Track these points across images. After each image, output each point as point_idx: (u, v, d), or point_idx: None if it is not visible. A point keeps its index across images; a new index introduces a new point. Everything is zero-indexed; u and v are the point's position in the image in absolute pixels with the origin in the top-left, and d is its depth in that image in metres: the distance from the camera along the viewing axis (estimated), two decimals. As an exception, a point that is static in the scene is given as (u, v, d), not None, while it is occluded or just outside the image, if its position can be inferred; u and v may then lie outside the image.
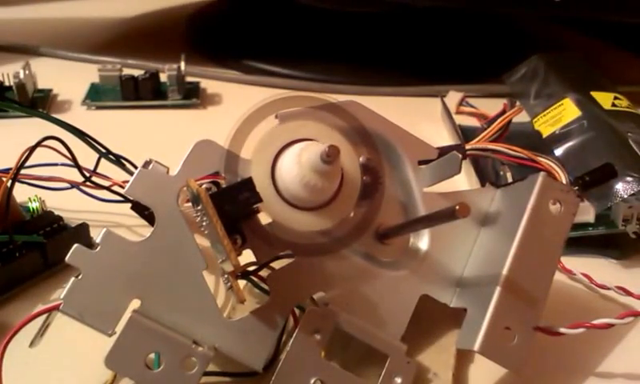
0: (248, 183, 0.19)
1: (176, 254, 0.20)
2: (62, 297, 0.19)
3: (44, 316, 0.21)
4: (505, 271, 0.22)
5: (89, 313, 0.19)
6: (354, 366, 0.22)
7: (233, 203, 0.19)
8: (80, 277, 0.20)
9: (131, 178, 0.21)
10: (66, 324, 0.20)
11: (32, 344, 0.21)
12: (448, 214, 0.19)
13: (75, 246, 0.20)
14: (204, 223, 0.20)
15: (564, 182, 0.29)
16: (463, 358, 0.23)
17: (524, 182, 0.24)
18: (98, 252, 0.20)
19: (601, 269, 0.31)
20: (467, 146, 0.34)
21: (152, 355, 0.20)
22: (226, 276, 0.20)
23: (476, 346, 0.21)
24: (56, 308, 0.20)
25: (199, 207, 0.19)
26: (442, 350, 0.23)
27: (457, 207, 0.18)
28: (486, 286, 0.22)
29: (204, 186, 0.20)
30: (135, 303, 0.20)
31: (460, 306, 0.23)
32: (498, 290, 0.21)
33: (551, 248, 0.22)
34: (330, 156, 0.19)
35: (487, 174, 0.36)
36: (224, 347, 0.20)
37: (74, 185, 0.31)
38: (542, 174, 0.23)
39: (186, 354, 0.20)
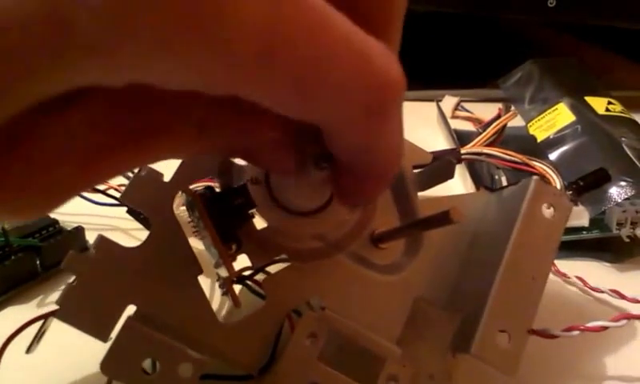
0: (242, 189, 0.19)
1: (171, 259, 0.20)
2: (57, 303, 0.19)
3: (40, 322, 0.21)
4: (498, 275, 0.22)
5: (84, 319, 0.19)
6: (349, 369, 0.22)
7: (227, 209, 0.19)
8: (75, 283, 0.20)
9: (126, 185, 0.21)
10: (62, 330, 0.19)
11: (29, 350, 0.21)
12: (442, 218, 0.19)
13: (70, 252, 0.20)
14: (199, 229, 0.20)
15: (558, 186, 0.29)
16: (459, 360, 0.23)
17: (517, 187, 0.24)
18: (93, 258, 0.20)
19: (595, 272, 0.31)
20: (462, 151, 0.34)
21: (147, 361, 0.20)
22: (221, 281, 0.20)
23: (471, 350, 0.21)
24: (51, 314, 0.20)
25: (195, 213, 0.19)
26: (437, 353, 0.23)
27: (450, 212, 0.18)
28: (480, 289, 0.22)
29: (198, 191, 0.20)
30: (131, 309, 0.20)
31: (455, 309, 0.23)
32: (492, 293, 0.22)
33: (544, 251, 0.23)
34: (323, 162, 0.19)
35: (482, 178, 0.36)
36: (219, 351, 0.20)
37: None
38: (534, 178, 0.23)
39: (182, 359, 0.20)
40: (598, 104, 0.41)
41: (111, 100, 0.14)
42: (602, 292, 0.28)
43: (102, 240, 0.20)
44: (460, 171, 0.38)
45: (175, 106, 0.15)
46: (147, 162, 0.16)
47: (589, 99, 0.42)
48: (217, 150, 0.17)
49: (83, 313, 0.19)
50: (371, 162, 0.16)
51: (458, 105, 0.47)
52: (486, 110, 0.43)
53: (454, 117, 0.46)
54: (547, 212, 0.23)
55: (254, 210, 0.20)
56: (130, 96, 0.15)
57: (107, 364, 0.19)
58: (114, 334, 0.20)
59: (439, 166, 0.24)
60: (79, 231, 0.30)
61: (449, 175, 0.24)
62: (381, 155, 0.16)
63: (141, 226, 0.29)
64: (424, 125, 0.45)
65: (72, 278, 0.20)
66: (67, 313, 0.19)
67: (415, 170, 0.24)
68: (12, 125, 0.12)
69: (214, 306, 0.27)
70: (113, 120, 0.14)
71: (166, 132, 0.15)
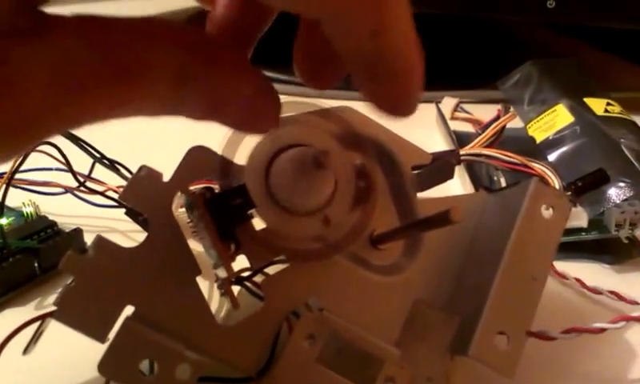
0: (242, 189, 0.19)
1: (170, 260, 0.20)
2: (54, 304, 0.19)
3: (37, 323, 0.21)
4: (497, 276, 0.22)
5: (82, 320, 0.19)
6: (347, 371, 0.22)
7: (226, 209, 0.19)
8: (73, 283, 0.19)
9: (125, 185, 0.21)
10: (59, 331, 0.19)
11: (26, 351, 0.21)
12: (441, 218, 0.19)
13: (68, 252, 0.20)
14: (198, 229, 0.20)
15: (557, 187, 0.29)
16: (457, 363, 0.23)
17: (517, 187, 0.24)
18: (91, 258, 0.20)
19: (593, 273, 0.31)
20: (462, 152, 0.34)
21: (145, 362, 0.20)
22: (220, 282, 0.20)
23: (469, 352, 0.21)
24: (49, 315, 0.20)
25: (194, 213, 0.19)
26: (435, 354, 0.23)
27: (450, 212, 0.18)
28: (479, 290, 0.22)
29: (198, 191, 0.20)
30: (129, 309, 0.20)
31: (453, 310, 0.23)
32: (491, 295, 0.22)
33: (544, 252, 0.23)
34: (323, 161, 0.19)
35: (481, 180, 0.36)
36: (218, 353, 0.20)
37: (68, 190, 0.31)
38: (534, 179, 0.23)
39: (180, 360, 0.20)
40: (597, 105, 0.41)
41: (90, 31, 0.14)
42: (601, 293, 0.28)
43: (99, 240, 0.20)
44: (459, 172, 0.38)
45: (155, 47, 0.15)
46: (124, 111, 0.16)
47: (588, 100, 0.42)
48: (193, 104, 0.16)
49: (81, 313, 0.19)
50: (385, 51, 0.16)
51: (457, 106, 0.47)
52: (485, 111, 0.42)
53: (453, 118, 0.46)
54: (546, 213, 0.23)
55: (252, 211, 0.20)
56: (107, 31, 0.15)
57: (105, 365, 0.19)
58: (111, 335, 0.20)
59: (439, 167, 0.24)
60: (77, 233, 0.30)
61: (448, 176, 0.24)
62: (394, 40, 0.16)
63: (139, 228, 0.29)
64: (423, 126, 0.45)
65: (70, 280, 0.20)
66: (65, 313, 0.19)
67: (415, 171, 0.24)
68: None
69: (213, 307, 0.27)
70: (88, 52, 0.14)
71: (144, 73, 0.15)
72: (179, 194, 0.21)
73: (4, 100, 0.13)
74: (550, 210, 0.23)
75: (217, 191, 0.21)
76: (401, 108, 0.18)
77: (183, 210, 0.22)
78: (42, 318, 0.21)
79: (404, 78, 0.17)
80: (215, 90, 0.16)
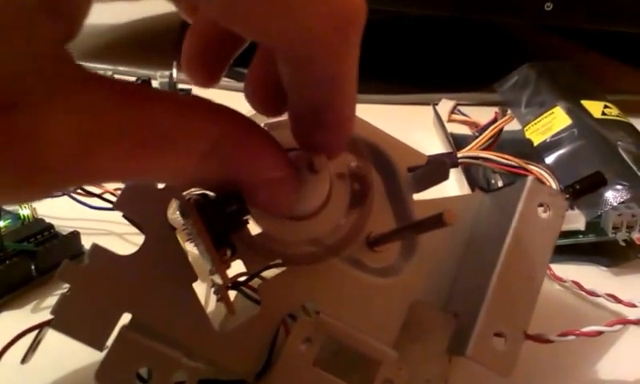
0: (236, 195, 0.19)
1: (166, 267, 0.20)
2: (51, 313, 0.19)
3: (35, 331, 0.21)
4: (494, 276, 0.22)
5: (79, 329, 0.19)
6: (345, 373, 0.22)
7: (221, 215, 0.19)
8: (69, 292, 0.19)
9: (119, 193, 0.21)
10: (57, 339, 0.19)
11: (24, 360, 0.21)
12: (434, 221, 0.19)
13: (64, 262, 0.20)
14: (193, 236, 0.19)
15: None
16: (455, 364, 0.23)
17: (512, 187, 0.24)
18: (87, 267, 0.20)
19: (591, 276, 0.31)
20: (459, 154, 0.34)
21: (142, 370, 0.20)
22: (216, 288, 0.20)
23: (467, 352, 0.21)
24: (46, 324, 0.20)
25: (188, 220, 0.19)
26: (433, 356, 0.23)
27: (443, 214, 0.18)
28: (476, 291, 0.22)
29: (192, 198, 0.20)
30: (126, 317, 0.20)
31: (451, 311, 0.23)
32: (487, 295, 0.21)
33: (540, 252, 0.22)
34: (318, 165, 0.19)
35: (479, 182, 0.36)
36: (215, 358, 0.20)
37: (65, 192, 0.31)
38: (529, 178, 0.23)
39: (176, 368, 0.20)
40: (595, 108, 0.42)
41: (122, 94, 0.14)
42: (598, 296, 0.28)
43: (95, 248, 0.20)
44: (456, 175, 0.38)
45: (191, 120, 0.16)
46: (147, 175, 0.16)
47: (585, 103, 0.42)
48: (214, 181, 0.17)
49: (78, 322, 0.19)
50: (335, 98, 0.17)
51: (454, 108, 0.47)
52: (483, 114, 0.43)
53: (450, 120, 0.46)
54: (543, 212, 0.23)
55: (248, 216, 0.20)
56: (138, 95, 0.15)
57: (102, 374, 0.19)
58: (109, 343, 0.20)
59: (432, 168, 0.24)
60: (75, 236, 0.30)
61: (443, 176, 0.24)
62: (344, 89, 0.17)
63: (137, 231, 0.29)
64: (420, 128, 0.45)
65: (66, 289, 0.20)
66: (62, 322, 0.19)
67: (410, 173, 0.24)
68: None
69: (210, 311, 0.27)
70: (115, 112, 0.14)
71: (171, 145, 0.15)
72: (174, 201, 0.21)
73: (21, 150, 0.13)
74: (546, 208, 0.23)
75: (211, 197, 0.21)
76: (329, 155, 0.19)
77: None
78: (40, 326, 0.21)
79: (341, 129, 0.18)
80: (243, 169, 0.17)
